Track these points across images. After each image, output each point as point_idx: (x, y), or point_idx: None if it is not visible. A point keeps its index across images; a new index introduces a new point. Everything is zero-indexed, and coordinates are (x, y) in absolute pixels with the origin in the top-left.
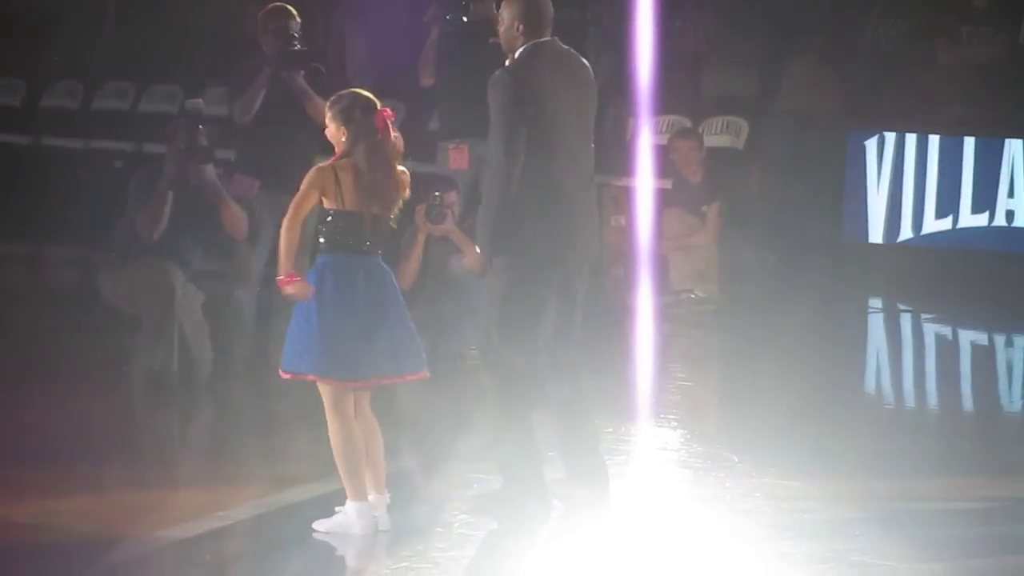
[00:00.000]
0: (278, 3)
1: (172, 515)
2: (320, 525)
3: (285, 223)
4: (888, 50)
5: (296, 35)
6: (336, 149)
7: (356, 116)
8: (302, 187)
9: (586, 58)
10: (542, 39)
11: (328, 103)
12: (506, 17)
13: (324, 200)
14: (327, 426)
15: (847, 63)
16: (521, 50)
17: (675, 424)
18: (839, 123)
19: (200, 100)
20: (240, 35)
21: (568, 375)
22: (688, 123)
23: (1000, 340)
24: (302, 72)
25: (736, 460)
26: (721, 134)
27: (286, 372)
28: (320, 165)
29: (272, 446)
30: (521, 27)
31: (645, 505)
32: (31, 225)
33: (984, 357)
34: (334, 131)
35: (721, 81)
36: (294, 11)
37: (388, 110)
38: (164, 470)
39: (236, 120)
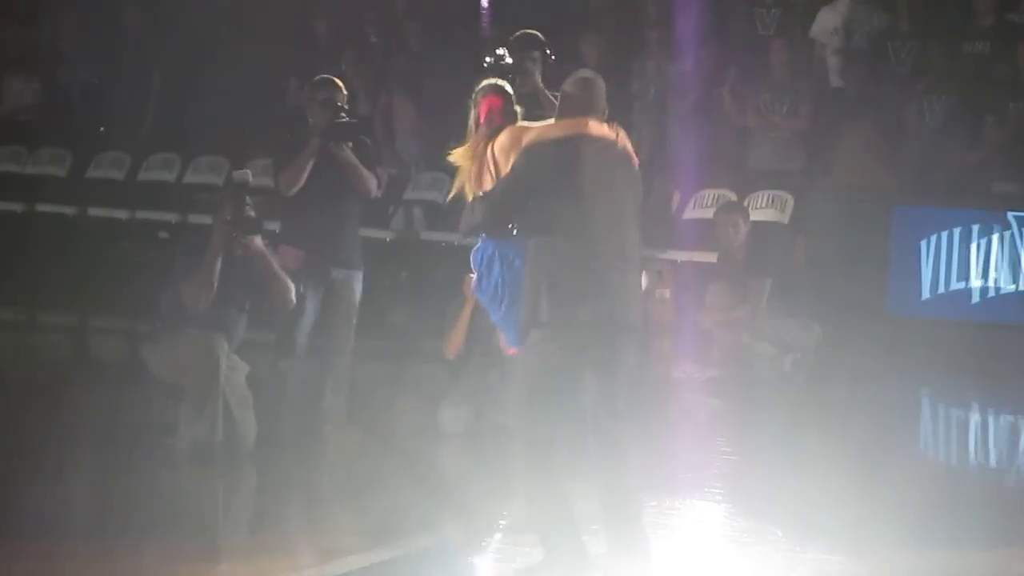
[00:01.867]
0: (324, 75)
1: None
2: None
3: None
4: (934, 125)
5: (343, 107)
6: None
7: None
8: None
9: (631, 132)
10: (585, 122)
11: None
12: (562, 94)
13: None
14: None
15: (894, 138)
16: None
17: (719, 498)
18: (886, 197)
19: (247, 171)
20: (283, 107)
21: (613, 448)
22: (733, 197)
23: None
24: (349, 144)
25: (780, 534)
26: (766, 208)
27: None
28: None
29: (316, 518)
30: (562, 106)
31: None
32: (75, 295)
33: None
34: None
35: (767, 155)
36: (340, 83)
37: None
38: (207, 541)
39: (282, 191)
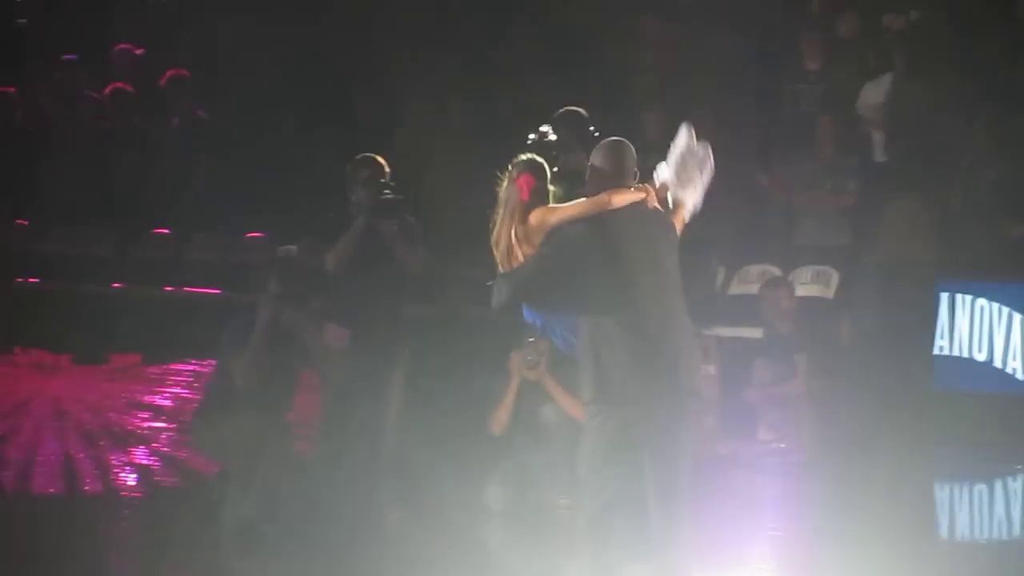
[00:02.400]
0: (367, 154)
1: None
2: None
3: None
4: (979, 200)
5: (387, 183)
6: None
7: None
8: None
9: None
10: (615, 186)
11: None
12: (590, 163)
13: None
14: None
15: (939, 214)
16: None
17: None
18: (931, 273)
19: (293, 247)
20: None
21: (670, 531)
22: (778, 272)
23: None
24: (395, 222)
25: None
26: (811, 283)
27: None
28: None
29: None
30: (591, 177)
31: None
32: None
33: None
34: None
35: (811, 230)
36: (383, 161)
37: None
38: None
39: (328, 269)
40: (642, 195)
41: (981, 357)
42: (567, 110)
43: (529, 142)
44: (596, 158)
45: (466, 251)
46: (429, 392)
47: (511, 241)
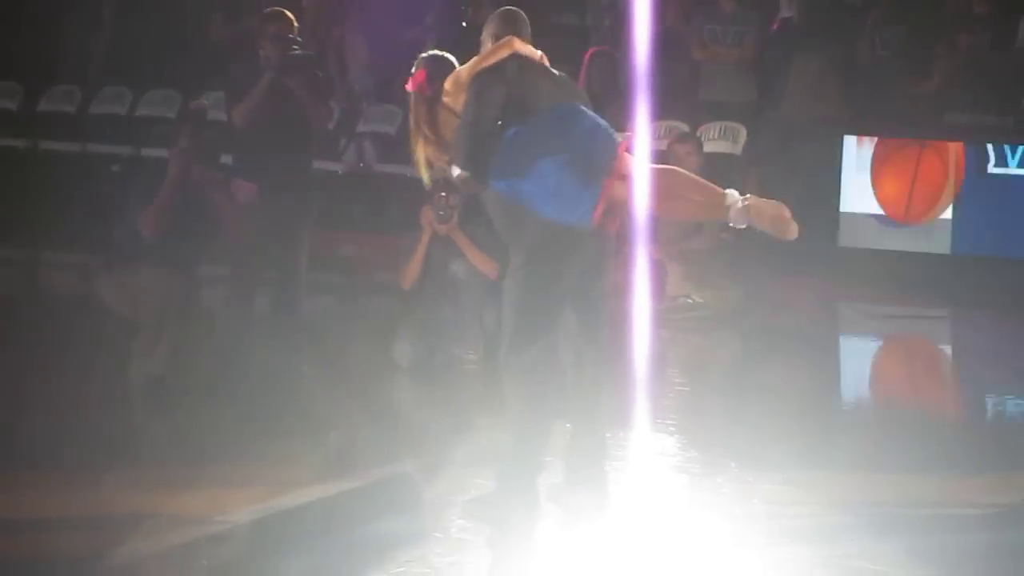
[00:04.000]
0: (276, 8)
1: (169, 520)
2: None
3: None
4: (885, 56)
5: (296, 40)
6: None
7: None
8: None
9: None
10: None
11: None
12: (484, 33)
13: None
14: None
15: (845, 69)
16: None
17: (672, 430)
18: (837, 129)
19: (204, 101)
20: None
21: (591, 387)
22: (686, 128)
23: (999, 344)
24: (303, 77)
25: (733, 465)
26: (719, 140)
27: None
28: None
29: (272, 450)
30: (493, 39)
31: (641, 510)
32: (28, 230)
33: (982, 360)
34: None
35: (716, 87)
36: (292, 16)
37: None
38: (163, 474)
39: (235, 125)
40: (540, 54)
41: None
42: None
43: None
44: (491, 25)
45: (374, 107)
46: (337, 248)
47: (434, 131)
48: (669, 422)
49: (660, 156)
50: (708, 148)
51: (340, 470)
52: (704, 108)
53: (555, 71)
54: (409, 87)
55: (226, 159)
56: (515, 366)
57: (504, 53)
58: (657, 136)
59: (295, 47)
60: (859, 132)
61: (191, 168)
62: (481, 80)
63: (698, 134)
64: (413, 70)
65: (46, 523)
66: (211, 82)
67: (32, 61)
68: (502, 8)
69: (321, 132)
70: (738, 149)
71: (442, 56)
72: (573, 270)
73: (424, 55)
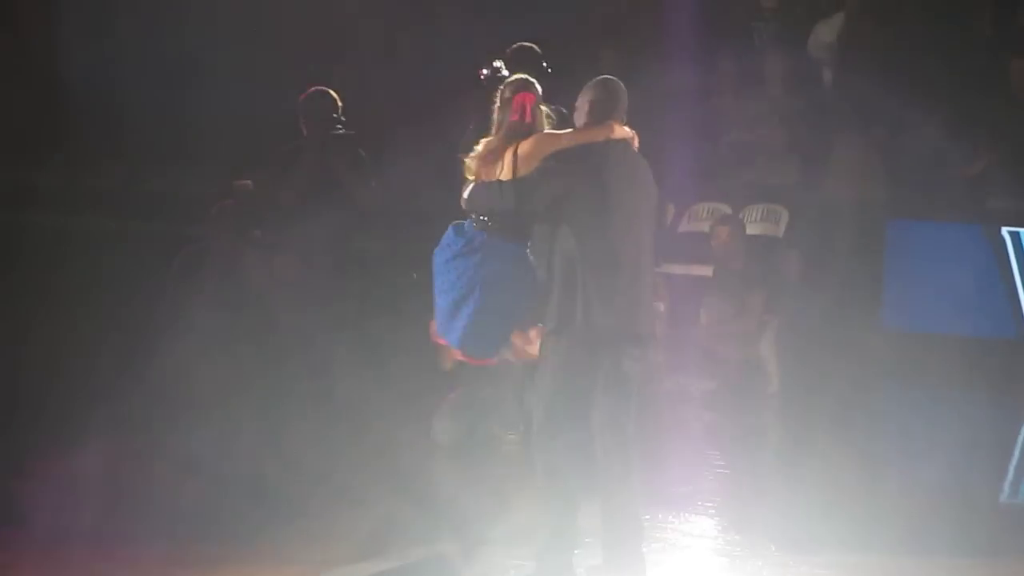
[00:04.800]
0: (319, 87)
1: None
2: None
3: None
4: (931, 140)
5: (339, 118)
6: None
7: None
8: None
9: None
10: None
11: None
12: (580, 101)
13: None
14: None
15: (890, 152)
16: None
17: (712, 512)
18: (880, 212)
19: (249, 182)
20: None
21: (619, 467)
22: (728, 210)
23: None
24: (345, 156)
25: (773, 548)
26: (761, 221)
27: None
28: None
29: (309, 529)
30: (590, 108)
31: None
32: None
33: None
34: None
35: (761, 169)
36: (335, 95)
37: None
38: (200, 550)
39: (281, 204)
40: (633, 133)
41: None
42: (520, 46)
43: (482, 78)
44: (592, 92)
45: (418, 186)
46: (380, 327)
47: (502, 164)
48: (709, 504)
49: (702, 237)
50: (750, 230)
51: (378, 550)
52: (746, 189)
53: (638, 152)
54: (515, 111)
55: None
56: (547, 450)
57: (602, 137)
58: (699, 218)
59: (339, 126)
60: (901, 215)
61: (235, 247)
62: (566, 157)
63: (740, 216)
64: (510, 91)
65: None
66: (252, 160)
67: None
68: (605, 77)
69: (365, 210)
70: (780, 231)
71: (535, 83)
72: (600, 365)
73: (522, 78)
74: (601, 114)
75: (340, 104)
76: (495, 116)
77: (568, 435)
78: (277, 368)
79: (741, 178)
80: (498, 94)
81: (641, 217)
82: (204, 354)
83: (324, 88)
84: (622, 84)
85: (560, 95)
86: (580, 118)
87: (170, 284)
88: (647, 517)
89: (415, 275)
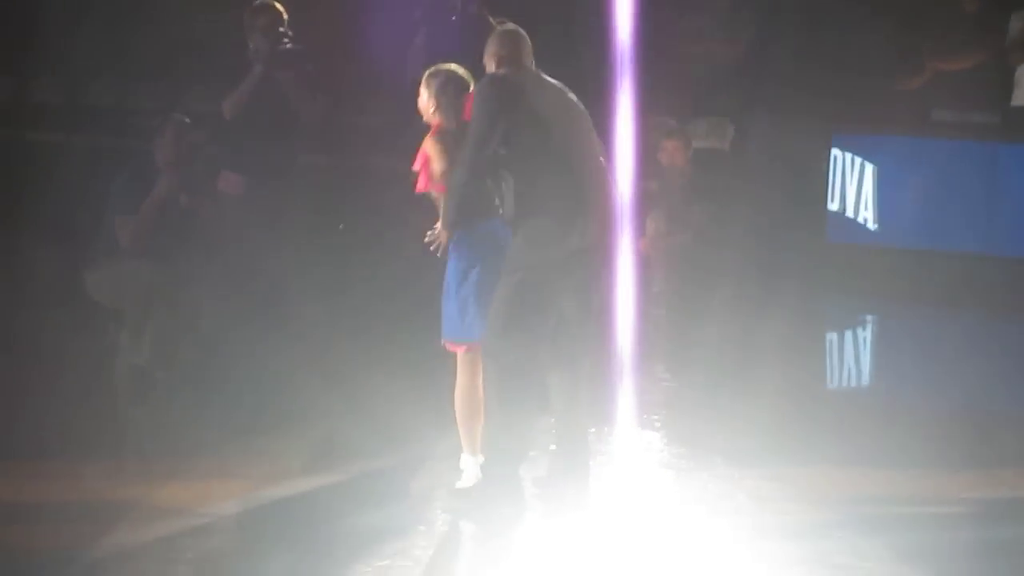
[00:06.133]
0: (265, 1)
1: (151, 512)
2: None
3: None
4: (874, 52)
5: (286, 32)
6: (428, 121)
7: (449, 92)
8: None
9: (574, 58)
10: (521, 67)
11: (426, 76)
12: (486, 53)
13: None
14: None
15: (833, 65)
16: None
17: (657, 425)
18: (824, 125)
19: (185, 119)
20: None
21: (576, 383)
22: (674, 123)
23: (983, 340)
24: (292, 70)
25: (719, 461)
26: (707, 135)
27: (453, 343)
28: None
29: (254, 444)
30: (498, 60)
31: (625, 506)
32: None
33: (970, 356)
34: (425, 102)
35: (708, 82)
36: (281, 7)
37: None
38: (145, 465)
39: (225, 116)
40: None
41: (834, 207)
42: None
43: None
44: (494, 46)
45: (364, 99)
46: (329, 244)
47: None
48: (654, 417)
49: (650, 151)
50: (697, 144)
51: (323, 464)
52: (692, 103)
53: (563, 87)
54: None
55: (216, 150)
56: (498, 361)
57: (514, 70)
58: (646, 131)
59: (285, 40)
60: (847, 128)
61: (179, 191)
62: (486, 89)
63: (686, 129)
64: (464, 92)
65: (27, 513)
66: (203, 73)
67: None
68: (503, 28)
69: (311, 126)
70: (726, 144)
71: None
72: (564, 284)
73: (466, 79)
74: (511, 63)
75: (286, 17)
76: (442, 108)
77: (522, 346)
78: (222, 284)
79: (687, 92)
80: (439, 90)
81: (592, 137)
82: (148, 268)
83: (270, 1)
84: (523, 32)
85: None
86: (488, 67)
87: (111, 204)
88: (591, 431)
89: (341, 226)
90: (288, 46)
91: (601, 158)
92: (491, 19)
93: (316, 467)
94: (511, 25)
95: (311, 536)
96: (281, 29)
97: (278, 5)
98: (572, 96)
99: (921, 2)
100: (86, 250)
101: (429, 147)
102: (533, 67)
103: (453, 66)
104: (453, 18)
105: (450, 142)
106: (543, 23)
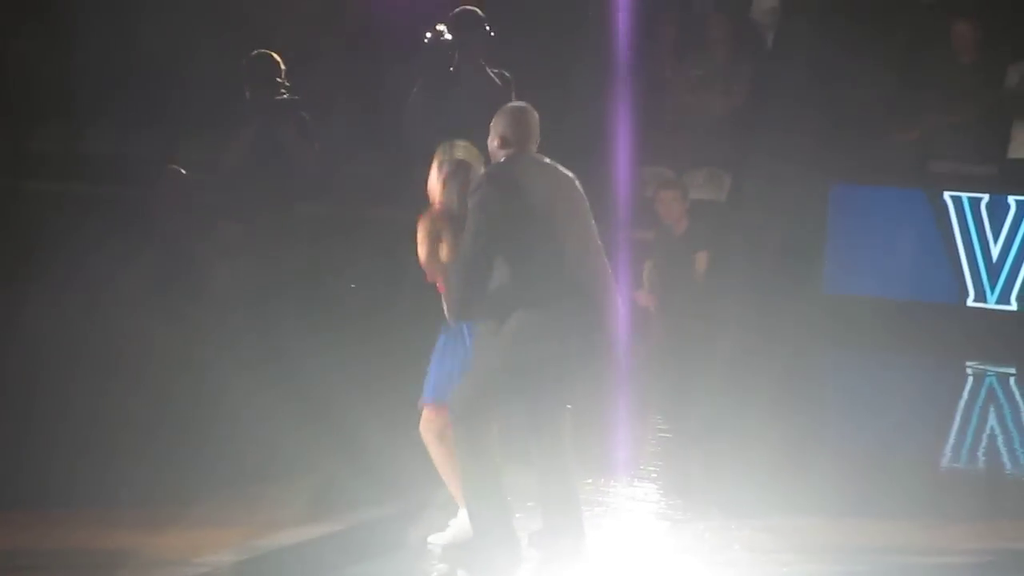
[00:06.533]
0: (263, 51)
1: (147, 561)
2: (438, 539)
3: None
4: (872, 104)
5: (283, 83)
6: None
7: (459, 177)
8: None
9: (572, 109)
10: (524, 152)
11: (438, 160)
12: (491, 132)
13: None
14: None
15: (832, 117)
16: (503, 159)
17: (654, 475)
18: (822, 176)
19: (181, 170)
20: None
21: (556, 433)
22: (671, 174)
23: (981, 393)
24: (289, 121)
25: (715, 512)
26: (704, 186)
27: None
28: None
29: (249, 493)
30: (501, 141)
31: (622, 557)
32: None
33: (966, 409)
34: (433, 183)
35: (703, 133)
36: (278, 58)
37: None
38: (141, 513)
39: (223, 167)
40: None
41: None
42: (464, 9)
43: (426, 41)
44: (501, 125)
45: (361, 149)
46: (326, 293)
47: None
48: (651, 468)
49: (645, 202)
50: (693, 195)
51: (321, 513)
52: (689, 154)
53: (564, 172)
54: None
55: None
56: (466, 423)
57: (515, 159)
58: (642, 182)
59: (283, 91)
60: (845, 179)
61: (170, 217)
62: (490, 189)
63: (683, 180)
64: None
65: (24, 562)
66: (199, 122)
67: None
68: (512, 107)
69: (308, 175)
70: (723, 195)
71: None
72: (561, 375)
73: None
74: (515, 145)
75: (283, 68)
76: (447, 191)
77: (492, 416)
78: (220, 334)
79: (684, 143)
80: (450, 176)
81: (592, 236)
82: (145, 319)
83: (267, 51)
84: (531, 110)
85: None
86: (492, 148)
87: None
88: (589, 482)
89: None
90: (285, 96)
91: (601, 255)
92: (490, 72)
93: (314, 516)
94: (520, 104)
95: None
96: (279, 79)
97: (275, 55)
98: (569, 177)
99: (918, 54)
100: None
101: (419, 230)
102: (535, 149)
103: (463, 149)
104: (451, 69)
105: (442, 224)
106: (540, 75)
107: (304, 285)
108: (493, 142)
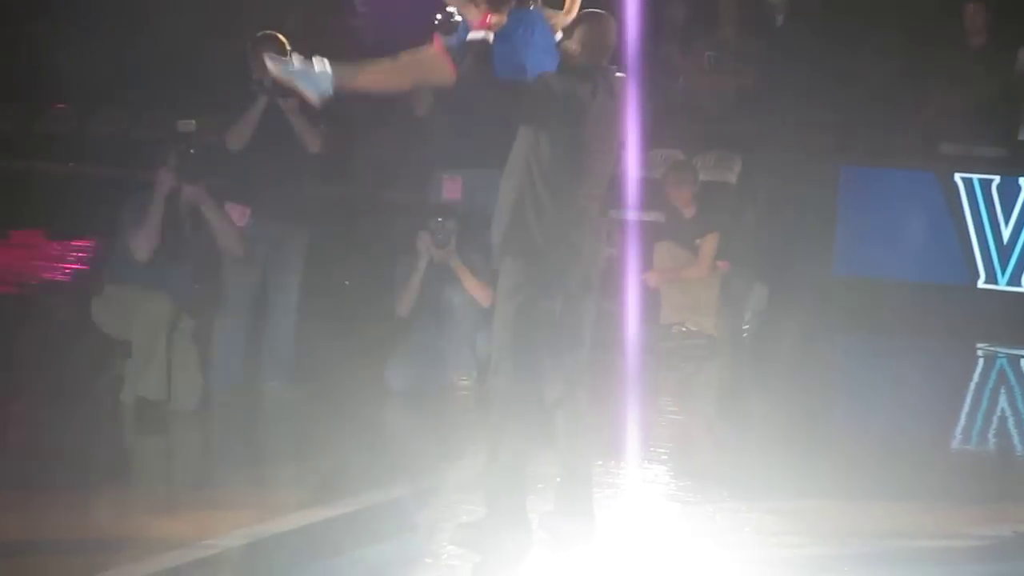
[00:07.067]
0: (269, 31)
1: (157, 543)
2: None
3: None
4: (883, 86)
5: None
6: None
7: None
8: None
9: None
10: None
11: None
12: (574, 35)
13: None
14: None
15: (843, 98)
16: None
17: (664, 458)
18: (832, 158)
19: (192, 122)
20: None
21: (574, 415)
22: (681, 156)
23: (991, 375)
24: (295, 100)
25: (726, 494)
26: (714, 168)
27: None
28: None
29: (261, 475)
30: (581, 45)
31: (631, 539)
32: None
33: (976, 391)
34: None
35: (714, 114)
36: (283, 38)
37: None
38: (151, 497)
39: (229, 147)
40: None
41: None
42: None
43: (437, 23)
44: (583, 31)
45: (370, 130)
46: (332, 272)
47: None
48: (661, 451)
49: (655, 184)
50: (703, 177)
51: (330, 495)
52: (699, 136)
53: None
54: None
55: (220, 181)
56: (505, 397)
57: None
58: (652, 165)
59: None
60: (855, 162)
61: (180, 188)
62: (547, 88)
63: (694, 162)
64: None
65: (30, 546)
66: (206, 104)
67: (28, 82)
68: (594, 13)
69: (314, 155)
70: (733, 177)
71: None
72: (562, 290)
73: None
74: (593, 53)
75: (289, 48)
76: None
77: (529, 381)
78: (228, 314)
79: (694, 125)
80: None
81: (606, 166)
82: (155, 299)
83: (273, 32)
84: (608, 18)
85: None
86: (572, 48)
87: (120, 228)
88: (599, 464)
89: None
90: None
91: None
92: None
93: (323, 498)
94: (599, 12)
95: (318, 568)
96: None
97: (281, 36)
98: (620, 109)
99: (929, 36)
100: (94, 279)
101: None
102: (607, 59)
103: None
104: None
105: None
106: None
107: (313, 266)
108: (573, 44)
